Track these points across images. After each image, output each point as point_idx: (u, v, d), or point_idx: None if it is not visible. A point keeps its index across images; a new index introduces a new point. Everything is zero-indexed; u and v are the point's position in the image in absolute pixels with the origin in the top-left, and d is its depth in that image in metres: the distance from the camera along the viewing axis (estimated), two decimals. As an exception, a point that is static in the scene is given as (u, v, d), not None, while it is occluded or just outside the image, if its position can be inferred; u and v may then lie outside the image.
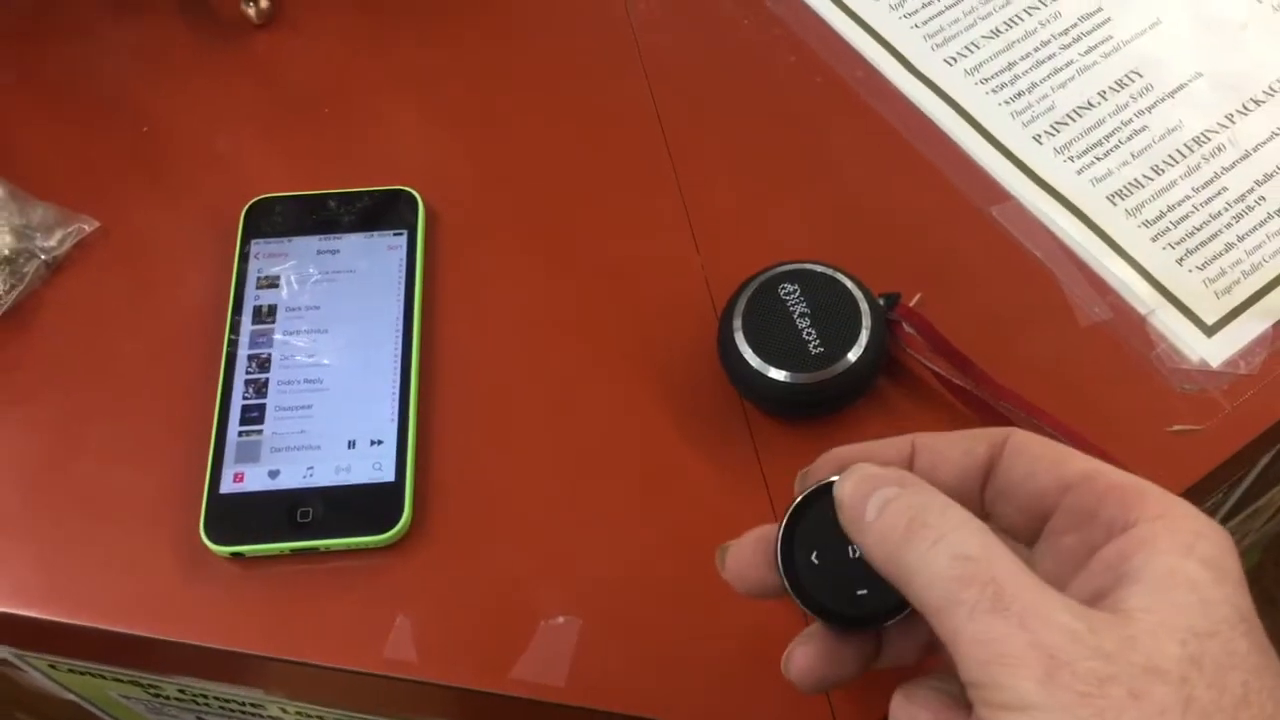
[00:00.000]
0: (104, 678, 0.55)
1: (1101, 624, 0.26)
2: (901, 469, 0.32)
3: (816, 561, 0.33)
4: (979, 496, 0.33)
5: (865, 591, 0.33)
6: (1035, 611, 0.26)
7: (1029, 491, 0.31)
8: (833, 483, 0.33)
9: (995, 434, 0.33)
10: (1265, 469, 0.64)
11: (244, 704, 0.54)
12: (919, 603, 0.28)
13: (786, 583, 0.33)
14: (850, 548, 0.33)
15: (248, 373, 0.48)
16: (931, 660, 0.35)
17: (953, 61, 0.56)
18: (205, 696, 0.55)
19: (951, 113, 0.54)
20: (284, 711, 0.54)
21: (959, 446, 0.33)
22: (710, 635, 0.43)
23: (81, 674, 0.55)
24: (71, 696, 0.62)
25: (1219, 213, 0.51)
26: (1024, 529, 0.32)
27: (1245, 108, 0.54)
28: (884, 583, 0.31)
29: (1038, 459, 0.31)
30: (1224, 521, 0.74)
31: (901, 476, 0.31)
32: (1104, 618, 0.26)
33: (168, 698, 0.56)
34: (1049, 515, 0.31)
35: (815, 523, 0.33)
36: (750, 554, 0.35)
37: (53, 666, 0.55)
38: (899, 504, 0.30)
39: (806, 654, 0.34)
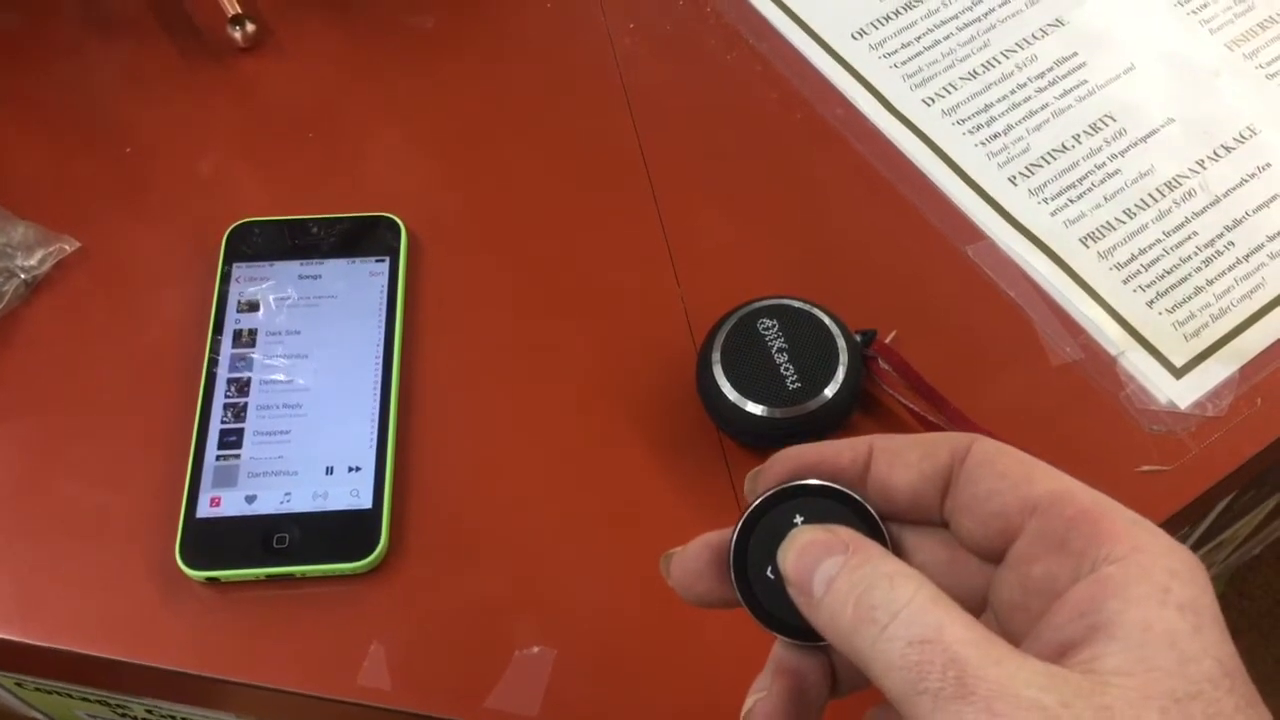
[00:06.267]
0: (71, 696, 0.55)
1: (1074, 693, 0.25)
2: (845, 527, 0.30)
3: (772, 575, 0.31)
4: (938, 505, 0.31)
5: None
6: (1003, 692, 0.25)
7: (992, 510, 0.30)
8: (786, 489, 0.32)
9: (958, 440, 0.31)
10: (1230, 503, 0.65)
11: (212, 726, 0.54)
12: (880, 688, 0.27)
13: (741, 597, 0.32)
14: None
15: (227, 396, 0.48)
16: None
17: (930, 102, 0.57)
18: (174, 718, 0.54)
19: (929, 152, 0.55)
20: (253, 734, 0.54)
21: (918, 450, 0.31)
22: (684, 667, 0.44)
23: (48, 692, 0.55)
24: (37, 715, 0.61)
25: (1189, 256, 0.52)
26: (987, 547, 0.30)
27: (1216, 154, 0.55)
28: None
29: (1003, 475, 0.30)
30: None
31: (845, 540, 0.29)
32: (1076, 683, 0.25)
33: (136, 718, 0.56)
34: (1014, 536, 0.29)
35: (768, 533, 0.31)
36: (697, 563, 0.33)
37: (19, 684, 0.55)
38: (841, 583, 0.28)
39: (766, 707, 0.31)
